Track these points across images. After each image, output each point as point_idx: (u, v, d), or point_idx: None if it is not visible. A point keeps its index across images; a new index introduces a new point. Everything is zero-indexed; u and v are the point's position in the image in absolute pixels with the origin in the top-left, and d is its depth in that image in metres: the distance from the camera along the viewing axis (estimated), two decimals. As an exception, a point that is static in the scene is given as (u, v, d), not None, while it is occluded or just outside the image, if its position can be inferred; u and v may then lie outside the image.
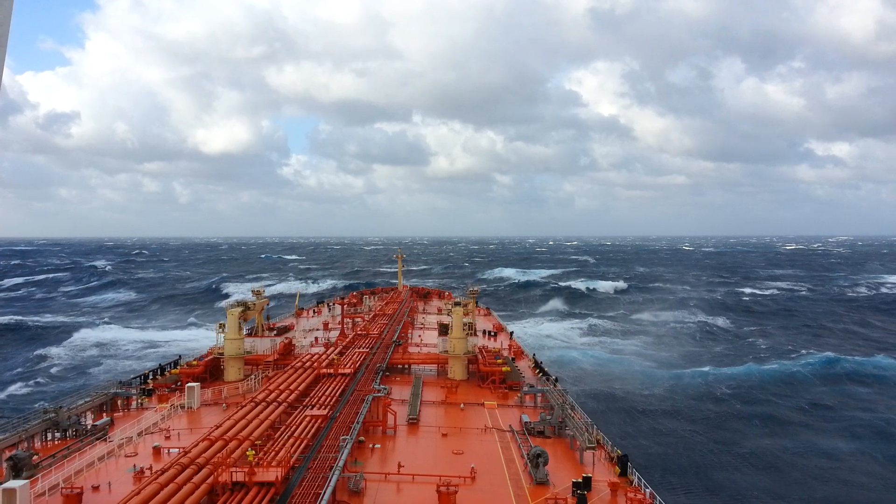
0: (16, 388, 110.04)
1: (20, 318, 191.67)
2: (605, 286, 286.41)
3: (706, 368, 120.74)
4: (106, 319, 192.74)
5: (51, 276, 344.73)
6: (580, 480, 41.66)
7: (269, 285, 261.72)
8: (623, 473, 46.13)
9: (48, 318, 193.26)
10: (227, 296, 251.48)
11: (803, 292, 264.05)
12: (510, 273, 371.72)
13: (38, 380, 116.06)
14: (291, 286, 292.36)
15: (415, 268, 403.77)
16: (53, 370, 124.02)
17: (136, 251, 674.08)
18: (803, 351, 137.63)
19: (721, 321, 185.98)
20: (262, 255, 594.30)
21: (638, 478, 45.05)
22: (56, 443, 52.40)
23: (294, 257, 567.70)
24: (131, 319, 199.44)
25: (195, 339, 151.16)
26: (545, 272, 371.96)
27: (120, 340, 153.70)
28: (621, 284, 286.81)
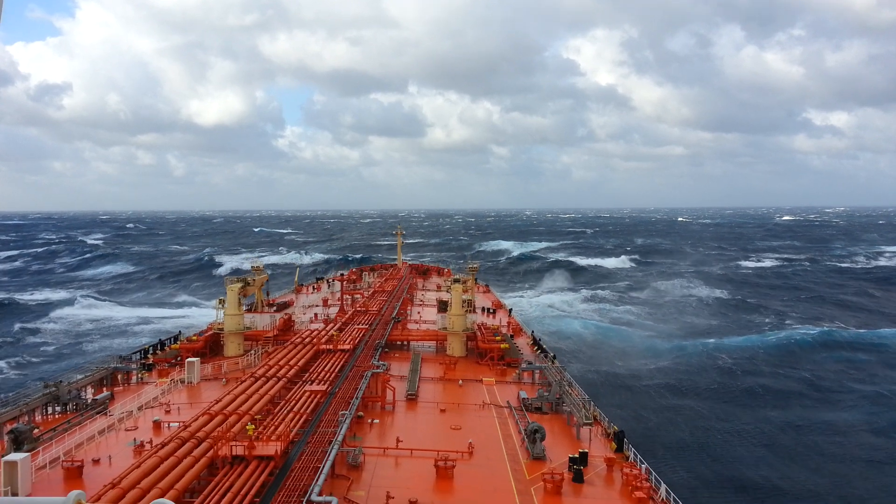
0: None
1: (7, 294, 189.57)
2: (603, 258, 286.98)
3: (705, 340, 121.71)
4: (96, 294, 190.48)
5: (41, 250, 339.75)
6: (576, 456, 42.04)
7: (262, 256, 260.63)
8: (619, 449, 46.52)
9: (35, 294, 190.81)
10: (219, 269, 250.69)
11: (803, 263, 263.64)
12: (508, 245, 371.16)
13: (20, 358, 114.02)
14: (285, 258, 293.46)
15: (412, 240, 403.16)
16: (41, 348, 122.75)
17: (132, 225, 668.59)
18: (804, 322, 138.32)
19: (720, 292, 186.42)
20: (257, 229, 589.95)
21: (634, 453, 45.43)
22: (57, 416, 52.76)
23: (289, 231, 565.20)
24: (122, 294, 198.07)
25: (189, 315, 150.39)
26: (543, 244, 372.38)
27: (112, 317, 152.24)
28: (620, 259, 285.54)
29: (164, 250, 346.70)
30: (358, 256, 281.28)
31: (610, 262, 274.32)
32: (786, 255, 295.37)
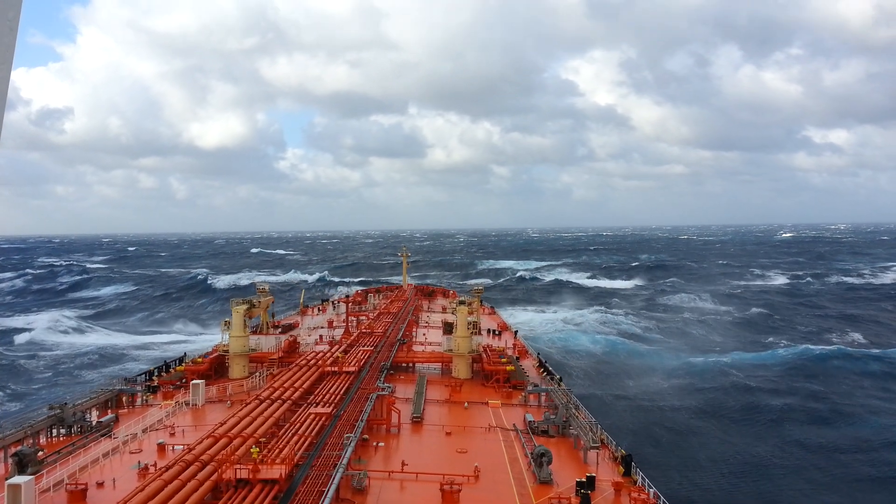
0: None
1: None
2: (609, 276, 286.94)
3: (715, 357, 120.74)
4: (88, 319, 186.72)
5: (35, 272, 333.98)
6: (584, 480, 41.56)
7: (258, 275, 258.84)
8: (627, 473, 46.02)
9: (16, 318, 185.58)
10: (213, 290, 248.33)
11: (809, 280, 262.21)
12: (509, 264, 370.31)
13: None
14: (281, 278, 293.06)
15: (414, 257, 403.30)
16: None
17: (133, 248, 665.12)
18: (817, 340, 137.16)
19: (731, 309, 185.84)
20: (255, 250, 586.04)
21: (642, 477, 44.95)
22: (61, 439, 52.60)
23: (290, 251, 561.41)
24: (113, 318, 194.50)
25: (187, 340, 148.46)
26: (545, 263, 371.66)
27: (106, 345, 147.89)
28: (627, 278, 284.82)
29: (163, 273, 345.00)
30: (357, 280, 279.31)
31: (619, 282, 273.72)
32: (794, 272, 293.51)
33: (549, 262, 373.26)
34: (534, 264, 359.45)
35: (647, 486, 43.38)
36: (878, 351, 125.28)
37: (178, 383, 72.28)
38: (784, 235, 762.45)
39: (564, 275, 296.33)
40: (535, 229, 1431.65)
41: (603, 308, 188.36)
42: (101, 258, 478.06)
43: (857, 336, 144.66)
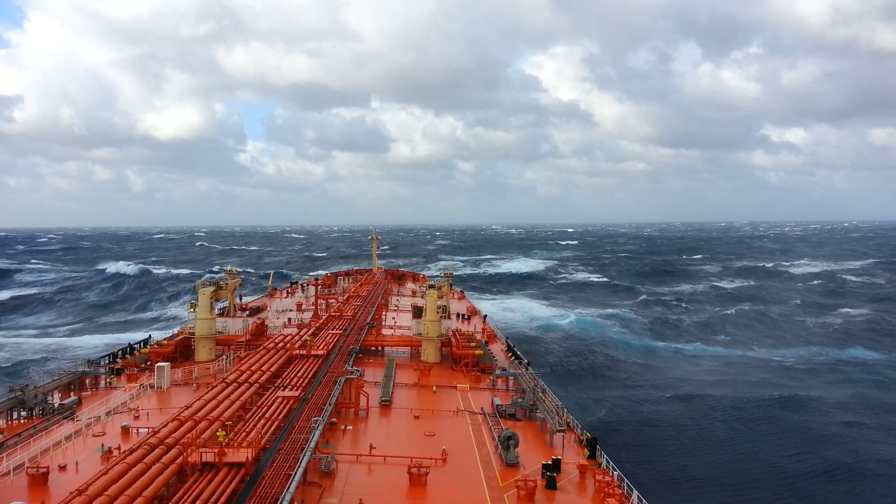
0: None
1: None
2: (578, 270, 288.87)
3: (681, 344, 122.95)
4: None
5: None
6: (550, 462, 42.17)
7: (199, 274, 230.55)
8: (592, 456, 46.78)
9: None
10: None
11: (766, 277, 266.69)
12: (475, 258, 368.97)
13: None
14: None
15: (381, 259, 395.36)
16: None
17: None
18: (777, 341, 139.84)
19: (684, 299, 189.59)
20: (197, 244, 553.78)
21: (606, 460, 45.74)
22: (22, 422, 51.59)
23: (253, 246, 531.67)
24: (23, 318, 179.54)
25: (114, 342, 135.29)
26: (518, 258, 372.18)
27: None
28: (594, 272, 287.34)
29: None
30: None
31: (582, 269, 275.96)
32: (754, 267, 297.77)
33: (524, 258, 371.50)
34: (504, 261, 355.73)
35: (611, 469, 44.14)
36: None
37: (143, 366, 71.39)
38: (747, 232, 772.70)
39: (538, 267, 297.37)
40: (500, 224, 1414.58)
41: (565, 297, 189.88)
42: (32, 250, 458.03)
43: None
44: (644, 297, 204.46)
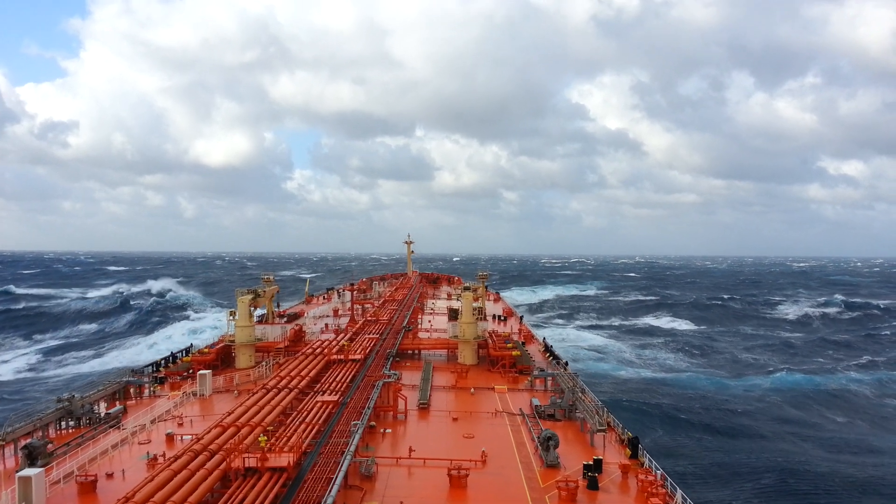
0: None
1: None
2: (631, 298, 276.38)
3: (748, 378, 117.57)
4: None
5: None
6: (591, 463, 41.69)
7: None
8: (634, 455, 46.09)
9: None
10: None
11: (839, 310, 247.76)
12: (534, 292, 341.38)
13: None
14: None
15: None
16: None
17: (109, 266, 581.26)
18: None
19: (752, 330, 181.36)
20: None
21: (649, 460, 45.01)
22: (70, 431, 52.87)
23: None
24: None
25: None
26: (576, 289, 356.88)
27: None
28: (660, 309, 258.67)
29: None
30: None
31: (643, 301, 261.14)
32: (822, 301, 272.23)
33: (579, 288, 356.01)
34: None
35: (654, 468, 43.44)
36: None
37: (185, 374, 72.64)
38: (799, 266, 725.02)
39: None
40: (546, 256, 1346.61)
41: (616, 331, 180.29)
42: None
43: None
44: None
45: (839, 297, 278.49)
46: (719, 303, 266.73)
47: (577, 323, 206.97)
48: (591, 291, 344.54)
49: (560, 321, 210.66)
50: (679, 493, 39.13)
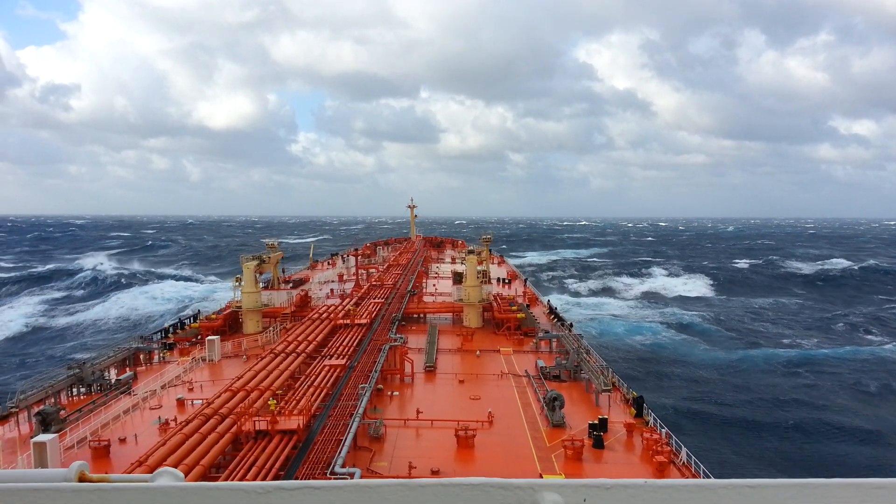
0: None
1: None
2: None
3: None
4: None
5: None
6: (596, 422, 42.23)
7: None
8: (639, 415, 46.63)
9: None
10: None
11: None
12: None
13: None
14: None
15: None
16: None
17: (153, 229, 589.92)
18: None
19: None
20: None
21: (654, 418, 45.54)
22: (82, 398, 53.59)
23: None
24: None
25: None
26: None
27: None
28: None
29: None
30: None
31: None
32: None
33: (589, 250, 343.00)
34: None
35: (658, 427, 43.99)
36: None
37: (194, 340, 73.26)
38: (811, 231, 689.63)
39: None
40: (554, 218, 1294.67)
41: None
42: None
43: None
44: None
45: (872, 260, 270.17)
46: (738, 266, 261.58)
47: (588, 286, 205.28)
48: (599, 254, 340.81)
49: (571, 282, 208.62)
50: (684, 450, 39.66)
